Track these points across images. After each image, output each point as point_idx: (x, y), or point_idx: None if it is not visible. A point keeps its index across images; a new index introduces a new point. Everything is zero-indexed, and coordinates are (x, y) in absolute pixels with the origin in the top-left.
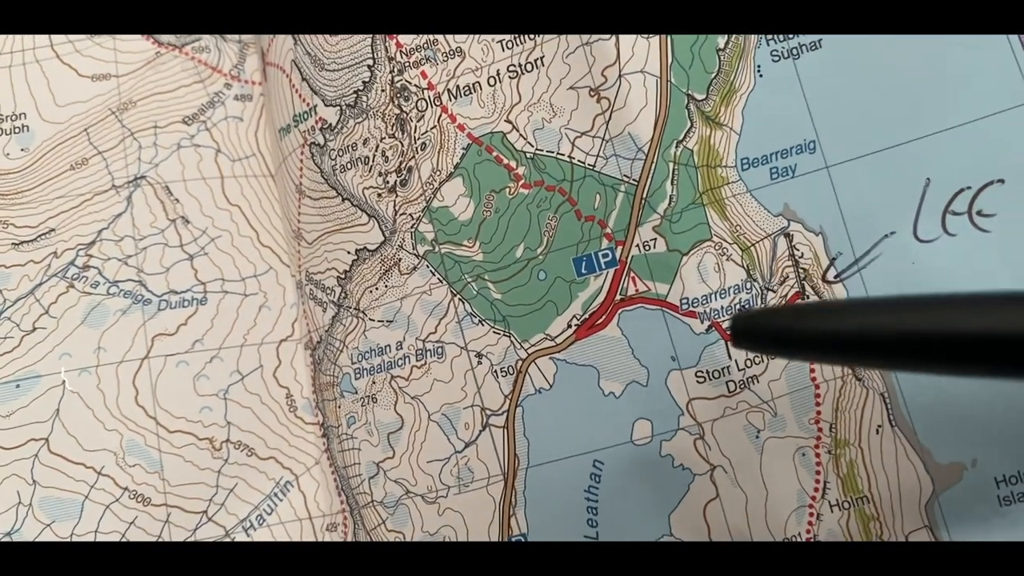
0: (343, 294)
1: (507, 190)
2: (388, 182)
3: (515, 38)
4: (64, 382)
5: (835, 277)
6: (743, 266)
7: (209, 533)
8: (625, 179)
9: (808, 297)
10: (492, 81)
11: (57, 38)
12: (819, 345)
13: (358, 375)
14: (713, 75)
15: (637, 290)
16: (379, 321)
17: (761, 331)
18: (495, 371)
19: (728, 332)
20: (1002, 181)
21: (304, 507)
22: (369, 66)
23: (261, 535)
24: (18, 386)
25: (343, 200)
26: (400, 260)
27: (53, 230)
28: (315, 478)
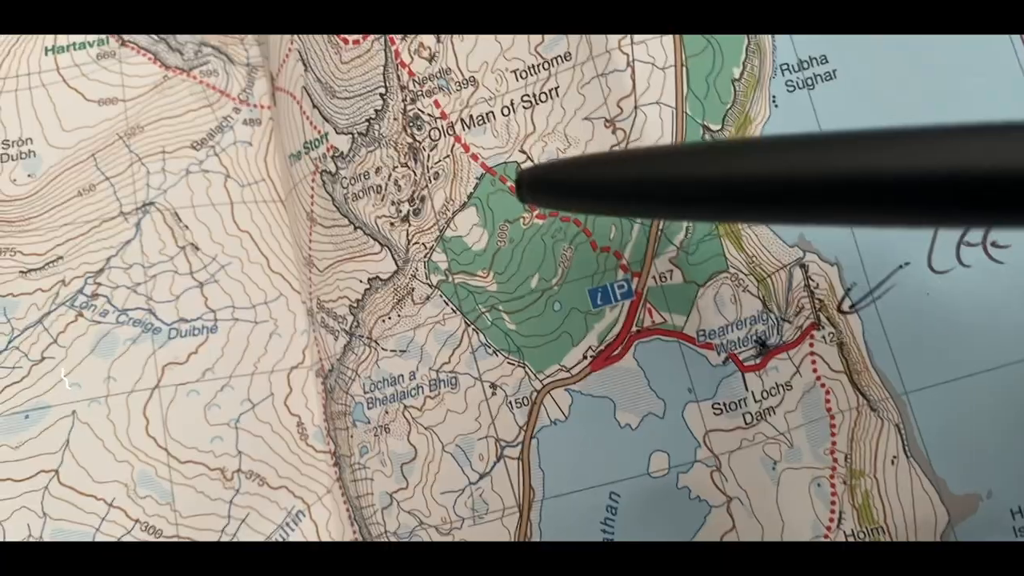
0: (355, 323)
1: (521, 220)
2: (401, 211)
3: (529, 68)
4: (74, 412)
5: (850, 307)
6: (759, 297)
7: None
8: None
9: (824, 328)
10: (506, 111)
11: (63, 61)
12: (585, 195)
13: (371, 405)
14: (728, 106)
15: (653, 322)
16: (392, 351)
17: (540, 183)
18: (510, 402)
19: (515, 189)
20: None
21: (316, 536)
22: (381, 95)
23: None
24: (27, 417)
25: (355, 228)
26: (413, 289)
27: (61, 258)
28: (327, 507)
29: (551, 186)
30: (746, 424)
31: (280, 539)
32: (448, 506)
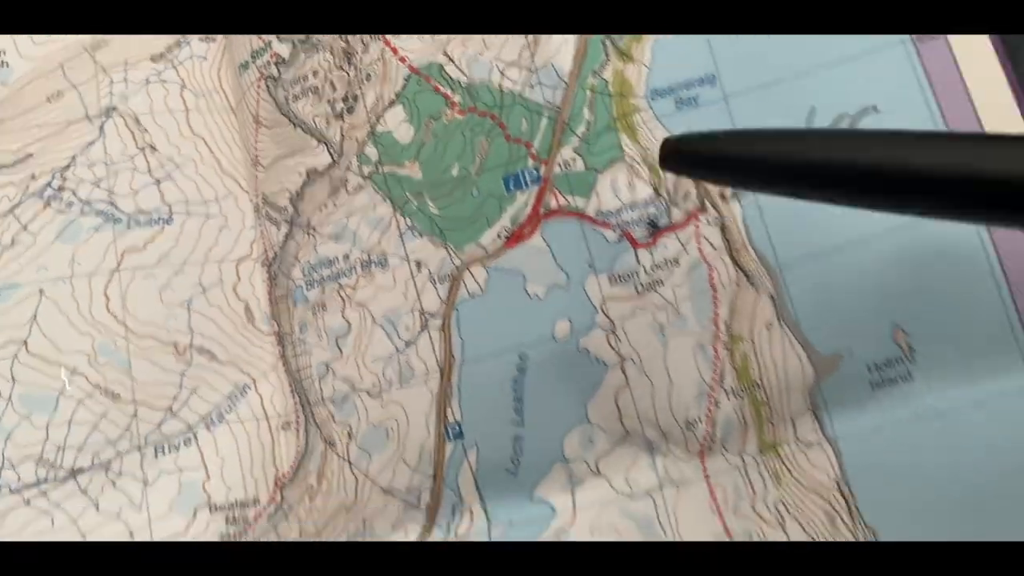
0: (295, 212)
1: (444, 116)
2: (336, 109)
3: None
4: (41, 291)
5: (732, 194)
6: (651, 184)
7: (173, 428)
8: (548, 105)
9: (708, 211)
10: None
11: None
12: (736, 169)
13: (309, 286)
14: None
15: (559, 204)
16: (328, 236)
17: (688, 154)
18: (433, 278)
19: (659, 157)
20: (876, 108)
21: (261, 408)
22: None
23: (221, 431)
24: None
25: (295, 127)
26: (347, 180)
27: (31, 155)
28: (271, 383)
29: (695, 158)
30: (638, 293)
31: (229, 408)
32: (378, 372)
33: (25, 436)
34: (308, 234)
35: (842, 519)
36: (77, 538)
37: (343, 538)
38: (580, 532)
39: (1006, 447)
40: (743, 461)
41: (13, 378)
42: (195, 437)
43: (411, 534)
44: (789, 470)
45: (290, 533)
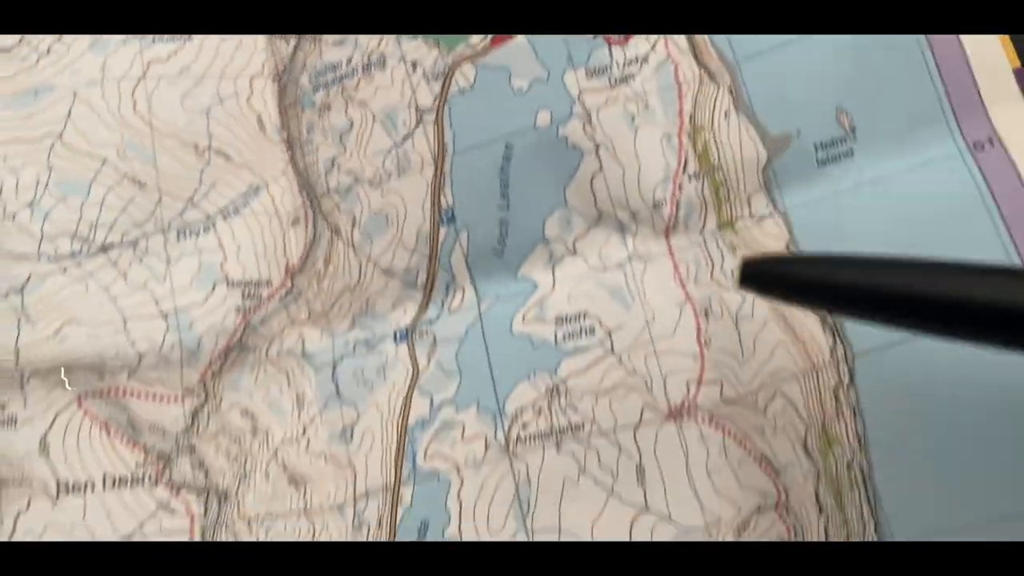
0: None
1: None
2: None
3: None
4: (75, 92)
5: None
6: None
7: (193, 216)
8: None
9: None
10: None
11: None
12: (817, 296)
13: (315, 90)
14: None
15: None
16: (332, 43)
17: (770, 278)
18: (427, 76)
19: (739, 276)
20: None
21: (272, 205)
22: None
23: (237, 222)
24: (36, 94)
25: None
26: None
27: None
28: (281, 185)
29: (776, 282)
30: (611, 86)
31: (244, 202)
32: (378, 164)
33: (61, 216)
34: (313, 43)
35: None
36: (107, 303)
37: (348, 317)
38: (558, 300)
39: (935, 202)
40: (703, 238)
41: (50, 166)
42: (213, 225)
43: (409, 311)
44: (745, 241)
45: (300, 314)
